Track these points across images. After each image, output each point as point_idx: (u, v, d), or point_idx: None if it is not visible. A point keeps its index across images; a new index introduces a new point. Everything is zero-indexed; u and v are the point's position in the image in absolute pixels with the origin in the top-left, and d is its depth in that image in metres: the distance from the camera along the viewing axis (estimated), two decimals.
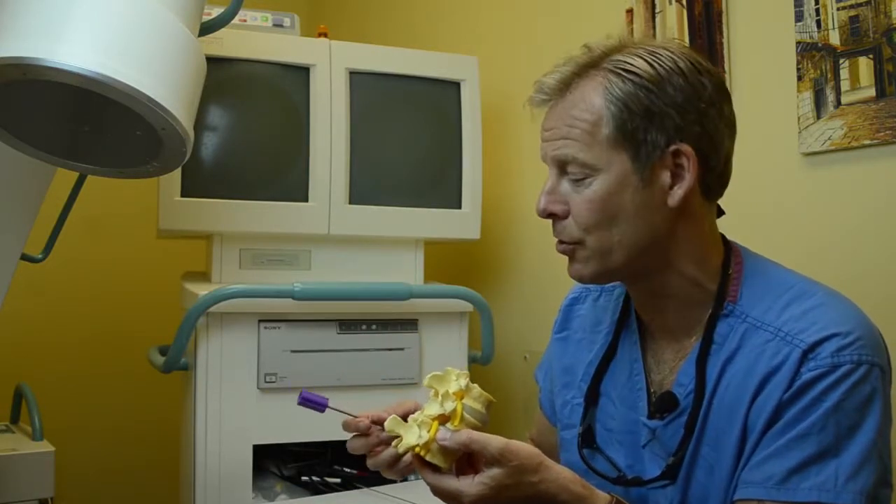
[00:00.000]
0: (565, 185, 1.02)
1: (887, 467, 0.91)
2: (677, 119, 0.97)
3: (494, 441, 0.91)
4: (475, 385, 0.98)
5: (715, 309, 1.01)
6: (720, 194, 1.05)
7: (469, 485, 0.91)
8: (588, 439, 1.11)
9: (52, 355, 2.53)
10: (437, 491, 0.95)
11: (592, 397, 1.12)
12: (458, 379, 0.97)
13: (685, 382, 1.01)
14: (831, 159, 1.42)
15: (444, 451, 0.94)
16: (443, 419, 0.96)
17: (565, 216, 1.02)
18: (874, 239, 1.36)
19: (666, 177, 0.99)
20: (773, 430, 0.92)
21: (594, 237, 1.00)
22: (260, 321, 1.74)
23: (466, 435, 0.93)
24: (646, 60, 0.98)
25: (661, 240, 1.00)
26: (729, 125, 1.02)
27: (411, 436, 0.96)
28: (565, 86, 1.02)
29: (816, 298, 0.97)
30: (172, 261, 2.23)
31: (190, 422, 1.77)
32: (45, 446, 1.67)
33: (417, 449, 0.95)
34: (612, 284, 1.17)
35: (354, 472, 1.84)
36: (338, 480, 1.83)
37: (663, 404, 1.03)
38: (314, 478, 1.83)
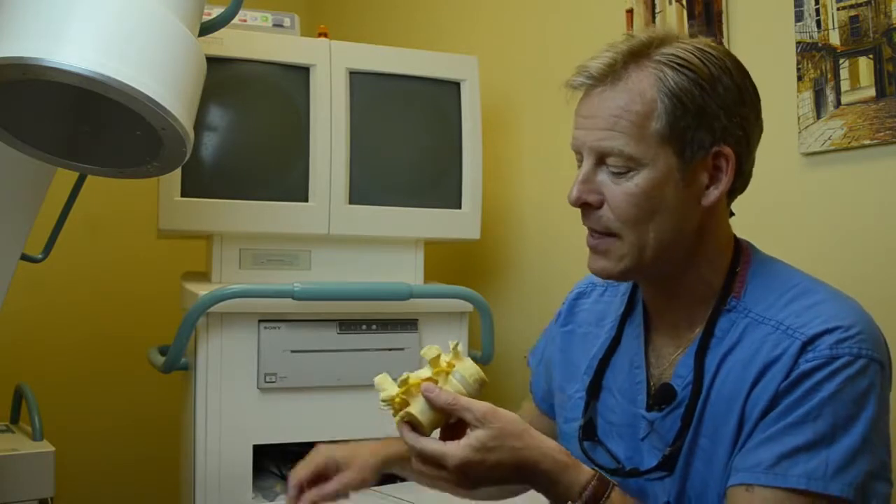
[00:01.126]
0: (602, 175, 0.99)
1: (884, 462, 0.91)
2: (724, 120, 0.97)
3: (479, 403, 0.91)
4: (469, 359, 0.97)
5: (718, 304, 1.01)
6: (738, 195, 1.06)
7: (454, 447, 0.90)
8: (589, 432, 1.11)
9: (52, 355, 2.53)
10: (421, 456, 0.93)
11: (594, 391, 1.13)
12: (453, 348, 0.97)
13: (683, 374, 1.02)
14: (831, 159, 1.42)
15: (429, 410, 0.93)
16: (432, 383, 0.95)
17: (599, 206, 0.99)
18: (874, 239, 1.36)
19: (704, 177, 0.98)
20: (767, 418, 0.93)
21: (631, 231, 0.98)
22: (260, 321, 1.74)
23: (452, 396, 0.92)
24: (698, 57, 0.96)
25: (688, 238, 1.00)
26: (760, 129, 1.02)
27: (394, 388, 0.94)
28: (613, 72, 0.97)
29: (820, 295, 0.97)
30: (172, 261, 2.23)
31: (190, 422, 1.77)
32: (45, 446, 1.67)
33: (398, 399, 0.93)
34: None
35: None
36: None
37: (661, 396, 1.03)
38: None
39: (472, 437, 0.90)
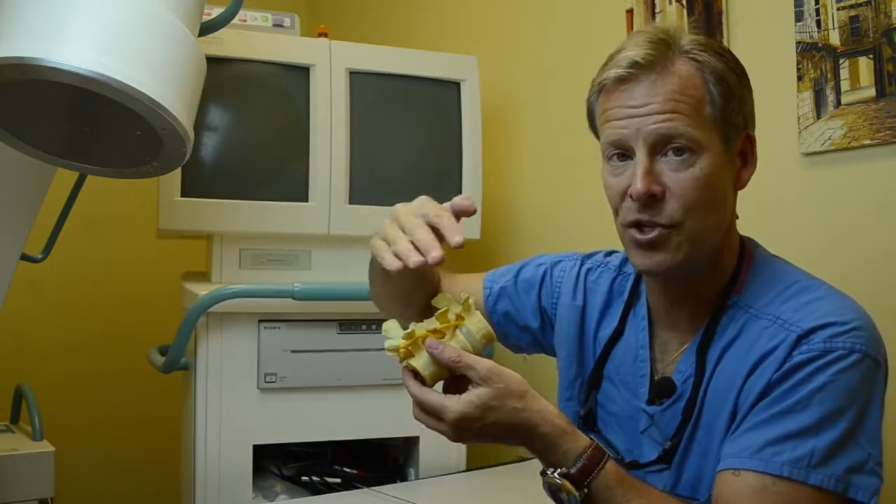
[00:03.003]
0: (661, 165, 0.97)
1: (871, 456, 0.91)
2: (749, 104, 1.01)
3: (483, 361, 0.91)
4: (478, 313, 0.95)
5: (720, 301, 1.02)
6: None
7: (454, 401, 0.90)
8: (589, 422, 1.12)
9: (52, 355, 2.54)
10: (421, 405, 0.93)
11: (595, 380, 1.13)
12: (464, 301, 0.95)
13: (684, 369, 1.03)
14: (831, 159, 1.42)
15: (432, 364, 0.92)
16: (438, 336, 0.93)
17: (663, 197, 0.97)
18: (874, 239, 1.36)
19: (738, 161, 1.01)
20: (758, 406, 0.93)
21: (694, 219, 0.96)
22: (260, 321, 1.74)
23: (456, 353, 0.91)
24: (717, 45, 1.00)
25: (724, 228, 1.02)
26: None
27: (400, 337, 0.93)
28: (659, 60, 0.96)
29: (819, 293, 0.98)
30: (172, 261, 2.23)
31: (190, 422, 1.77)
32: (45, 446, 1.67)
33: (402, 351, 0.93)
34: (629, 267, 1.15)
35: (355, 472, 1.84)
36: (338, 480, 1.83)
37: (661, 389, 1.04)
38: (314, 478, 1.83)
39: (473, 394, 0.90)
